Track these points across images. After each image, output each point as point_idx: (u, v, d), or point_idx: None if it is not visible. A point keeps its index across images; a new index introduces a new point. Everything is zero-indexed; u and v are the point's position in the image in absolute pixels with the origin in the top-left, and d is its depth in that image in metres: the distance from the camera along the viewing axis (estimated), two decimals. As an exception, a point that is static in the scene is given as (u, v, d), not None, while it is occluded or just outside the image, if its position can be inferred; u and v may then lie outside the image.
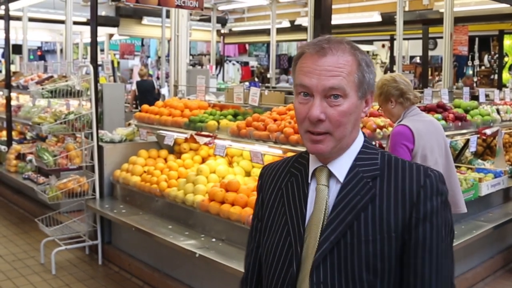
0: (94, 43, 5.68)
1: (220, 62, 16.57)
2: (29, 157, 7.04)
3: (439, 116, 5.10)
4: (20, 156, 7.36)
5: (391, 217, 1.34)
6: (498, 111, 5.99)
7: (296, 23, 13.17)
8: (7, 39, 8.29)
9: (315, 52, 1.37)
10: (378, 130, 4.24)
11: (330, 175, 1.41)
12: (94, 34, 5.58)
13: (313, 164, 1.45)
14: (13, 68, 11.56)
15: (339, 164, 1.41)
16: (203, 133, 4.76)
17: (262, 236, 1.53)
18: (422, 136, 3.41)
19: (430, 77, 14.44)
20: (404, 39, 11.36)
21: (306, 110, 1.36)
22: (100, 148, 5.42)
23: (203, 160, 5.21)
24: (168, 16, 8.61)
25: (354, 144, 1.42)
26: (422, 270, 1.33)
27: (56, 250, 5.15)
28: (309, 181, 1.44)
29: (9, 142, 7.80)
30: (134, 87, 11.54)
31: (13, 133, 8.12)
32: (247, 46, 19.60)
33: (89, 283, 4.85)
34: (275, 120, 4.36)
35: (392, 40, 14.35)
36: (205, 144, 4.73)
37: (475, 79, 14.11)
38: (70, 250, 5.44)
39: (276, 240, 1.45)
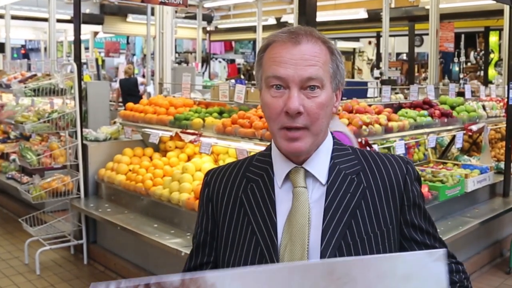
0: (77, 41, 5.61)
1: (206, 60, 16.51)
2: (12, 156, 6.95)
3: (425, 112, 5.12)
4: (4, 156, 7.26)
5: (384, 209, 1.32)
6: (484, 107, 6.03)
7: (282, 20, 13.16)
8: (-11, 37, 8.18)
9: (288, 40, 1.25)
10: (364, 127, 4.23)
11: (306, 176, 1.32)
12: (77, 32, 5.51)
13: (283, 166, 1.33)
14: (-4, 66, 11.41)
15: (316, 163, 1.32)
16: (189, 131, 4.72)
17: (219, 252, 1.37)
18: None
19: (416, 74, 14.50)
20: (390, 35, 11.43)
21: (281, 104, 1.24)
22: (84, 147, 5.36)
23: (189, 158, 5.17)
24: (153, 14, 8.55)
25: (326, 141, 1.35)
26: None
27: (40, 250, 5.09)
28: (279, 185, 1.33)
29: (-8, 142, 7.70)
30: (118, 85, 11.47)
31: (-4, 132, 8.01)
32: (233, 43, 19.56)
33: (74, 283, 4.80)
34: (260, 117, 4.32)
35: (378, 37, 14.40)
36: (191, 142, 4.68)
37: (461, 76, 14.20)
38: (54, 250, 5.38)
39: (244, 253, 1.31)
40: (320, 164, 1.32)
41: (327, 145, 1.35)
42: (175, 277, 1.09)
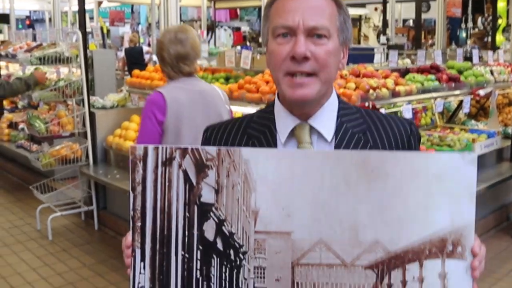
0: (82, 9, 5.60)
1: (212, 28, 16.39)
2: (21, 125, 6.99)
3: (433, 77, 5.09)
4: (12, 125, 7.31)
5: None
6: (491, 72, 5.99)
7: (288, -14, 12.98)
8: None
9: None
10: (371, 91, 4.23)
11: (311, 133, 1.29)
12: (81, 1, 5.49)
13: (287, 122, 1.30)
14: (1, 37, 11.40)
15: (321, 120, 1.29)
16: (196, 97, 4.72)
17: None
18: (179, 107, 2.76)
19: (423, 41, 14.35)
20: (397, 1, 11.29)
21: (287, 49, 1.22)
22: (92, 115, 5.39)
23: (196, 125, 5.18)
24: (157, -19, 8.46)
25: (332, 98, 1.32)
26: None
27: (51, 216, 5.16)
28: (282, 142, 1.30)
29: (0, 111, 7.74)
30: (123, 54, 11.42)
31: (4, 102, 8.04)
32: (238, 11, 19.37)
33: (85, 248, 4.88)
34: (267, 82, 4.33)
35: (384, 3, 14.19)
36: (198, 108, 4.69)
37: (468, 42, 14.05)
38: (65, 216, 5.46)
39: None
40: (326, 121, 1.30)
41: (333, 102, 1.32)
42: (211, 148, 1.11)
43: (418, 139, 1.38)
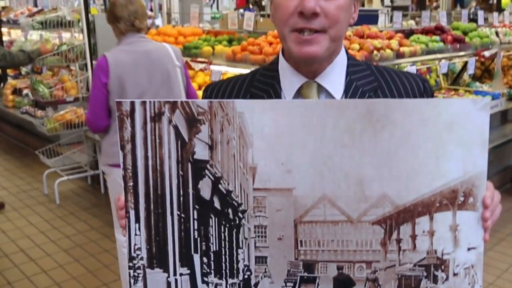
0: (83, -29, 5.52)
1: (214, -8, 16.17)
2: (25, 91, 6.99)
3: (437, 38, 5.05)
4: (16, 91, 7.30)
5: None
6: (497, 34, 5.92)
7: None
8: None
9: None
10: (375, 52, 4.20)
11: (319, 91, 1.21)
12: (82, -39, 5.41)
13: (293, 80, 1.22)
14: (2, 3, 11.29)
15: (330, 78, 1.21)
16: (198, 59, 4.71)
17: None
18: (122, 68, 2.95)
19: (427, 3, 14.14)
20: (402, -38, 11.06)
21: (294, 3, 1.11)
22: (95, 79, 5.38)
23: (199, 87, 5.18)
24: None
25: (341, 54, 1.24)
26: None
27: (58, 180, 5.22)
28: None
29: (4, 78, 7.74)
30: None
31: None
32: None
33: (92, 211, 4.95)
34: (270, 43, 4.30)
35: (390, -36, 13.96)
36: (201, 70, 4.69)
37: (473, 4, 13.85)
38: (72, 181, 5.51)
39: None
40: (334, 79, 1.22)
41: (342, 59, 1.24)
42: (203, 101, 1.05)
43: (432, 94, 1.31)
